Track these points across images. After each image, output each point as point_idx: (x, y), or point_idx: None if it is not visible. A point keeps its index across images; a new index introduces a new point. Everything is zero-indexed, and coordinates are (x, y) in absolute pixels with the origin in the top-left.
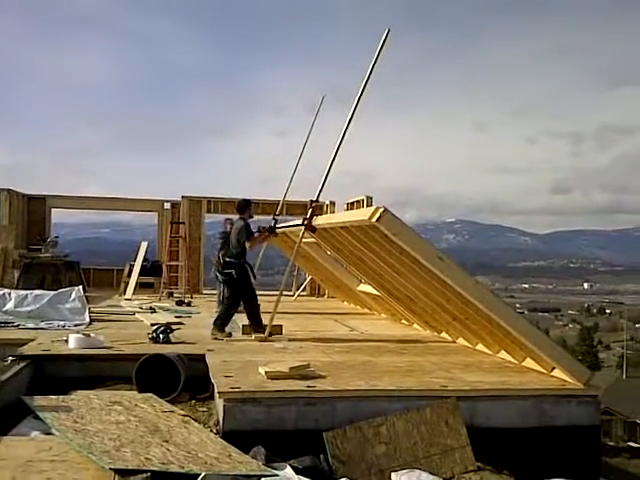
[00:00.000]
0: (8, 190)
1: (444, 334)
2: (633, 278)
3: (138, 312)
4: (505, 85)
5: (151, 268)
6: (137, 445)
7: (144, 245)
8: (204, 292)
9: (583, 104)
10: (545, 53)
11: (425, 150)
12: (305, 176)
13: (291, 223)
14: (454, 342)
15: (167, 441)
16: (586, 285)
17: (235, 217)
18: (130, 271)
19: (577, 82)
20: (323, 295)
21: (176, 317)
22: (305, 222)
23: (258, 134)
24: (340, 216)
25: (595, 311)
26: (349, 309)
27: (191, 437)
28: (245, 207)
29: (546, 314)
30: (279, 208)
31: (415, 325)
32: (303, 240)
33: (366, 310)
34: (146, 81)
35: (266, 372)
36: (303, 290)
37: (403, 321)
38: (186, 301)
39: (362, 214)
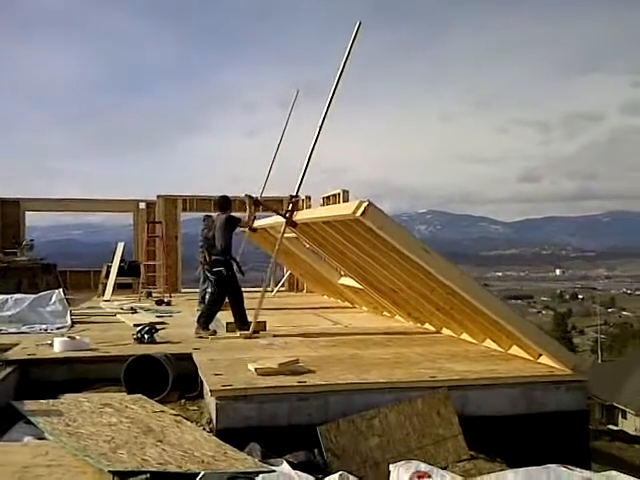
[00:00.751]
0: None
1: (427, 325)
2: (604, 263)
3: (119, 313)
4: (474, 75)
5: (129, 269)
6: (132, 446)
7: (121, 246)
8: (183, 291)
9: (552, 92)
10: (515, 42)
11: (396, 142)
12: (279, 172)
13: (270, 220)
14: (438, 332)
15: (161, 441)
16: (558, 271)
17: (214, 214)
18: (108, 272)
19: (546, 70)
20: (302, 290)
21: (158, 317)
22: (287, 215)
23: (229, 131)
24: (323, 211)
25: (568, 297)
26: (329, 303)
27: (185, 436)
28: (226, 204)
29: (519, 301)
30: None
31: (397, 317)
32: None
33: (347, 303)
34: (115, 80)
35: (256, 369)
36: (282, 286)
37: (385, 313)
38: (166, 300)
39: (346, 208)
